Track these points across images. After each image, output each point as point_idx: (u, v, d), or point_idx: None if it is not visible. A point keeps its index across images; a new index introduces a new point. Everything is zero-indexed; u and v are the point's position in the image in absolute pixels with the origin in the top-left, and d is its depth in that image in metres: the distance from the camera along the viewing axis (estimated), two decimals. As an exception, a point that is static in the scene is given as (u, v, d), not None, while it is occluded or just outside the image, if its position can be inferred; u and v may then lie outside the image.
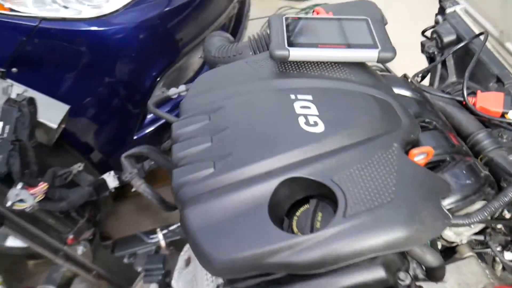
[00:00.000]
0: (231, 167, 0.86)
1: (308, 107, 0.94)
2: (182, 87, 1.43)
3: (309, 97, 0.97)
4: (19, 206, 1.23)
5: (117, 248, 2.29)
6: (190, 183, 0.87)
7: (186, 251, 1.45)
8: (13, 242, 2.37)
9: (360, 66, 1.06)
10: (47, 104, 1.22)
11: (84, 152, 1.77)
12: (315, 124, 0.90)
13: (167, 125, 2.04)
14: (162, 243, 1.65)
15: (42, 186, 1.26)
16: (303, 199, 0.85)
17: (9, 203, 1.21)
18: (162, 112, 1.44)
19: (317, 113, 0.92)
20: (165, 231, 2.25)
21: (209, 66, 1.46)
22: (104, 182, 1.49)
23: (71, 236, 1.66)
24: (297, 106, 0.95)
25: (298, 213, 0.83)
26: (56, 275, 2.32)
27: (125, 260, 2.15)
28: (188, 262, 1.39)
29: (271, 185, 0.81)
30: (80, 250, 1.71)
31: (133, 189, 1.46)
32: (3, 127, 1.15)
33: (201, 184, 0.86)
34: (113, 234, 2.47)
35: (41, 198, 1.26)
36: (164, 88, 1.42)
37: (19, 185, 1.23)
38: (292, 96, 0.98)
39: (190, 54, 1.90)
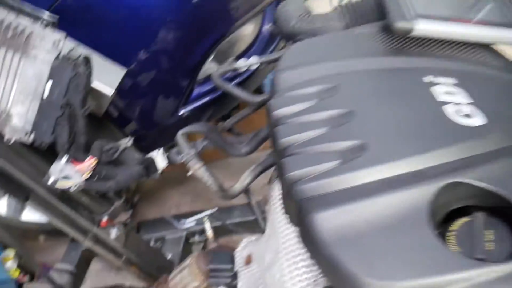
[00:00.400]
0: (367, 162, 0.67)
1: (453, 93, 0.75)
2: (254, 59, 1.22)
3: (452, 81, 0.77)
4: (62, 184, 1.04)
5: (142, 230, 2.12)
6: (310, 178, 0.68)
7: (245, 247, 1.28)
8: (29, 216, 2.20)
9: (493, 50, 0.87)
10: (101, 66, 1.02)
11: (120, 125, 1.57)
12: (470, 115, 0.70)
13: (214, 102, 1.85)
14: (210, 233, 1.47)
15: (90, 162, 1.07)
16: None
17: (51, 180, 1.02)
18: (230, 86, 1.24)
19: (470, 101, 0.72)
20: (200, 216, 2.07)
21: (286, 38, 1.25)
22: (153, 162, 1.29)
23: (105, 218, 1.48)
24: (437, 91, 0.76)
25: (454, 227, 0.64)
26: (74, 254, 2.15)
27: (152, 244, 1.97)
28: (248, 260, 1.22)
29: (429, 190, 0.62)
30: (113, 233, 1.53)
31: (189, 173, 1.27)
32: (52, 88, 0.95)
33: (326, 181, 0.67)
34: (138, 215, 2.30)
35: (88, 176, 1.07)
36: (231, 58, 1.21)
37: (64, 159, 1.03)
38: (427, 79, 0.79)
39: (243, 26, 1.69)
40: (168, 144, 1.87)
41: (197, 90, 1.66)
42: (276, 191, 1.14)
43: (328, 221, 0.61)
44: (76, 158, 1.06)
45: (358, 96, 0.82)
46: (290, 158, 0.72)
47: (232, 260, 1.14)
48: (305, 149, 0.73)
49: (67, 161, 1.03)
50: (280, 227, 1.06)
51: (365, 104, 0.79)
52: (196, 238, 2.05)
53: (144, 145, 1.61)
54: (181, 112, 1.65)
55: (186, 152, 1.24)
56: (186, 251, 2.04)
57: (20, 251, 2.15)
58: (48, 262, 2.42)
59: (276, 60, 1.21)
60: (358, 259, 0.57)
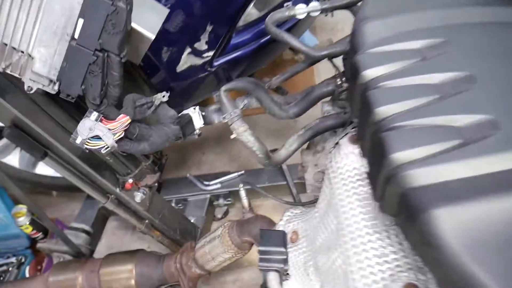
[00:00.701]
0: (503, 144, 0.51)
1: None
2: (314, 4, 1.02)
3: None
4: (92, 145, 0.88)
5: (164, 190, 1.98)
6: (422, 161, 0.52)
7: (288, 222, 1.13)
8: (44, 169, 2.06)
9: None
10: (139, 4, 0.82)
11: (147, 76, 1.39)
12: None
13: (250, 55, 1.65)
14: (245, 202, 1.32)
15: (124, 120, 0.90)
16: None
17: (79, 139, 0.86)
18: (287, 34, 1.05)
19: None
20: (225, 178, 1.93)
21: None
22: (190, 120, 1.13)
23: (130, 181, 1.33)
24: None
25: None
26: (90, 213, 2.03)
27: (173, 205, 1.84)
28: (294, 237, 1.07)
29: None
30: (138, 197, 1.38)
31: (232, 136, 1.11)
32: (84, 28, 0.76)
33: (446, 166, 0.51)
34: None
35: (120, 136, 0.91)
36: (289, 3, 1.01)
37: (94, 116, 0.87)
38: None
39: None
40: (199, 101, 1.70)
41: (233, 40, 1.47)
42: (339, 163, 0.98)
43: (455, 219, 0.45)
44: (108, 115, 0.89)
45: (477, 56, 0.64)
46: (393, 134, 0.56)
47: (284, 242, 0.99)
48: (411, 122, 0.56)
49: (96, 119, 0.85)
50: (344, 208, 0.91)
51: (486, 67, 0.61)
52: (221, 201, 1.92)
53: (173, 102, 1.44)
54: (215, 64, 1.46)
55: (230, 111, 1.08)
56: (209, 215, 1.91)
57: (32, 207, 2.03)
58: (61, 218, 2.32)
59: (349, 6, 1.02)
60: (502, 276, 0.42)
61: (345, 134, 0.99)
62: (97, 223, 1.97)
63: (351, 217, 0.89)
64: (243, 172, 1.91)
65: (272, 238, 0.98)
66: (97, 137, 0.88)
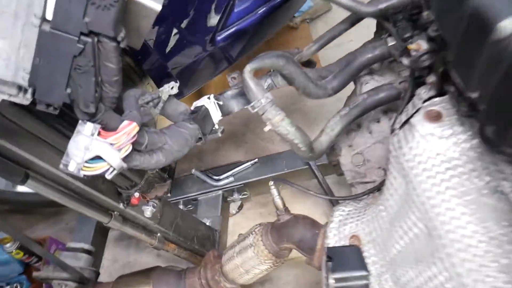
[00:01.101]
0: None
1: None
2: None
3: None
4: (92, 169, 0.64)
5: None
6: None
7: (343, 224, 0.90)
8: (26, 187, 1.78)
9: None
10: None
11: (135, 61, 1.12)
12: None
13: (252, 27, 1.39)
14: (279, 201, 1.09)
15: (130, 129, 0.65)
16: None
17: (73, 165, 0.62)
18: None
19: None
20: (237, 170, 1.69)
21: None
22: (207, 114, 0.88)
23: (137, 194, 1.08)
24: None
25: None
26: (87, 229, 1.78)
27: (181, 207, 1.60)
28: (357, 243, 0.85)
29: None
30: (148, 211, 1.15)
31: (267, 128, 0.86)
32: (60, 3, 0.51)
33: None
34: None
35: (128, 151, 0.66)
36: None
37: (89, 129, 0.62)
38: None
39: None
40: (197, 88, 1.45)
41: (237, 10, 1.20)
42: (416, 148, 0.75)
43: None
44: (107, 125, 0.64)
45: None
46: None
47: (363, 261, 0.77)
48: None
49: (93, 131, 0.60)
50: (438, 209, 0.69)
51: None
52: (235, 196, 1.68)
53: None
54: (219, 39, 1.20)
55: (260, 98, 0.83)
56: (225, 213, 1.69)
57: (14, 234, 1.78)
58: (55, 234, 2.07)
59: None
60: None
61: (417, 110, 0.77)
62: (97, 238, 1.73)
63: (451, 221, 0.67)
64: (256, 160, 1.68)
65: (348, 258, 0.76)
66: (97, 158, 0.63)
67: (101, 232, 1.76)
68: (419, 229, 0.74)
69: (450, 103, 0.75)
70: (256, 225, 1.18)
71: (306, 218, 1.09)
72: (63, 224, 2.12)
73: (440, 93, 0.78)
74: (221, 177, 1.66)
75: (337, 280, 0.70)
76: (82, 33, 0.53)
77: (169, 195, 1.07)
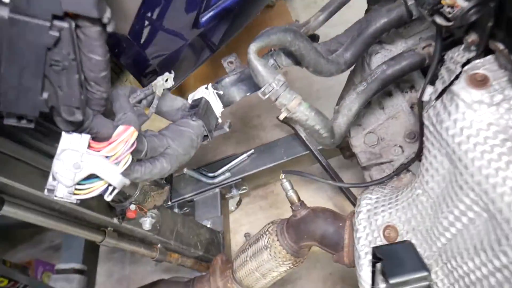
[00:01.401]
0: None
1: None
2: None
3: None
4: (86, 191, 0.51)
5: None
6: None
7: (374, 213, 0.79)
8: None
9: None
10: None
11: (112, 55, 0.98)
12: None
13: (236, 6, 1.24)
14: (293, 195, 0.97)
15: (128, 135, 0.52)
16: None
17: (61, 190, 0.49)
18: None
19: None
20: (233, 164, 1.56)
21: None
22: (208, 107, 0.75)
23: (133, 207, 0.95)
24: None
25: None
26: (76, 245, 1.63)
27: (176, 211, 1.48)
28: (393, 235, 0.73)
29: None
30: (147, 223, 1.02)
31: (282, 115, 0.74)
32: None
33: None
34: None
35: (128, 163, 0.53)
36: None
37: (77, 141, 0.49)
38: None
39: None
40: (185, 77, 1.30)
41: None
42: (462, 120, 0.64)
43: None
44: (98, 134, 0.51)
45: None
46: None
47: (421, 260, 0.66)
48: None
49: (83, 144, 0.47)
50: (502, 189, 0.59)
51: None
52: (234, 192, 1.56)
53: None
54: (203, 21, 1.06)
55: (271, 81, 0.71)
56: (225, 211, 1.56)
57: None
58: (40, 255, 1.90)
59: None
60: None
61: (457, 76, 0.66)
62: (88, 255, 1.58)
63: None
64: (252, 151, 1.55)
65: (403, 258, 0.64)
66: (92, 177, 0.49)
67: (91, 248, 1.61)
68: (475, 214, 0.64)
69: (496, 63, 0.64)
70: (269, 223, 1.07)
71: (326, 211, 0.98)
72: (48, 242, 1.96)
73: (480, 54, 0.67)
74: (217, 173, 1.53)
75: (394, 285, 0.59)
76: (55, 16, 0.40)
77: (169, 203, 0.94)
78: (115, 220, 1.03)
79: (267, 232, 1.04)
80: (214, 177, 1.53)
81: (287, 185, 0.99)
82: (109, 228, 1.05)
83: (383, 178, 0.92)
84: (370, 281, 0.78)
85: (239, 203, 1.69)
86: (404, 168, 0.94)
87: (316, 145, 1.46)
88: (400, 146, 1.07)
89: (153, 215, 1.02)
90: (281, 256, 1.00)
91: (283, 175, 0.99)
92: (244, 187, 1.55)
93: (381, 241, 0.80)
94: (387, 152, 1.08)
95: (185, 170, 1.59)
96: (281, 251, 1.00)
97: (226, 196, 1.57)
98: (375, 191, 0.89)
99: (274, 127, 1.88)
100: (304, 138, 1.47)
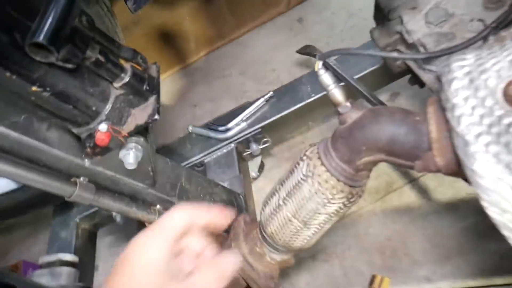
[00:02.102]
0: None
1: None
2: None
3: None
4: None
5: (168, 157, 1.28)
6: None
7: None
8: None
9: None
10: None
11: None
12: None
13: None
14: (335, 90, 0.65)
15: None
16: None
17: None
18: None
19: None
20: (247, 113, 1.24)
21: None
22: None
23: (103, 127, 0.64)
24: None
25: None
26: (65, 233, 1.31)
27: (183, 183, 1.15)
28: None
29: None
30: (130, 156, 0.71)
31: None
32: None
33: None
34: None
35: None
36: None
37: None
38: None
39: None
40: None
41: None
42: None
43: None
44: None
45: None
46: None
47: None
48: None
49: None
50: None
51: None
52: (254, 147, 1.23)
53: None
54: None
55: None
56: (245, 171, 1.24)
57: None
58: (33, 258, 1.61)
59: None
60: None
61: None
62: (82, 245, 1.27)
63: None
64: (271, 93, 1.24)
65: None
66: None
67: (87, 236, 1.30)
68: None
69: None
70: (305, 148, 0.75)
71: (389, 107, 0.65)
72: (41, 245, 1.66)
73: None
74: (229, 125, 1.22)
75: None
76: None
77: (157, 117, 0.63)
78: (86, 163, 0.72)
79: (305, 157, 0.71)
80: (226, 130, 1.22)
81: (326, 77, 0.67)
82: (81, 179, 0.74)
83: (481, 33, 0.60)
84: (492, 173, 0.46)
85: (261, 168, 1.37)
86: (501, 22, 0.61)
87: (352, 73, 1.14)
88: (480, 20, 0.74)
89: (138, 146, 0.71)
90: (329, 186, 0.67)
91: (319, 61, 0.67)
92: (266, 140, 1.22)
93: (501, 109, 0.47)
94: (463, 30, 0.75)
95: (190, 128, 1.28)
96: (329, 178, 0.67)
97: (244, 155, 1.25)
98: (469, 51, 0.57)
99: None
100: (335, 67, 1.15)
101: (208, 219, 0.55)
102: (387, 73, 1.09)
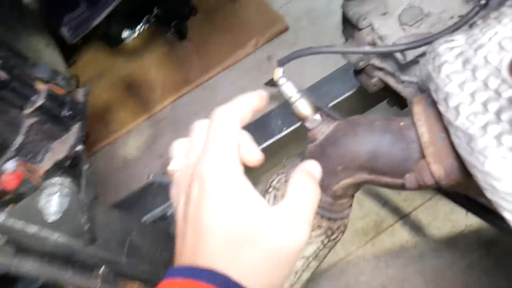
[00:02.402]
0: None
1: None
2: None
3: None
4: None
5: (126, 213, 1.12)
6: None
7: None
8: None
9: None
10: None
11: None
12: None
13: None
14: (301, 102, 0.53)
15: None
16: None
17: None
18: None
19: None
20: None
21: None
22: None
23: (10, 166, 0.50)
24: None
25: None
26: None
27: (134, 239, 1.00)
28: None
29: None
30: (53, 204, 0.56)
31: None
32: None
33: None
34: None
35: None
36: None
37: None
38: None
39: None
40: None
41: None
42: None
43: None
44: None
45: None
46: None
47: None
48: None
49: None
50: None
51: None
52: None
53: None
54: None
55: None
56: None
57: None
58: None
59: None
60: None
61: None
62: None
63: None
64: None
65: None
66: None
67: None
68: None
69: None
70: (271, 178, 0.61)
71: (366, 116, 0.53)
72: None
73: None
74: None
75: None
76: None
77: (81, 147, 0.49)
78: (-2, 215, 0.57)
79: (271, 189, 0.58)
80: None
81: (288, 86, 0.54)
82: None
83: (470, 12, 0.49)
84: (506, 173, 0.33)
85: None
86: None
87: (327, 101, 1.04)
88: (462, 16, 0.65)
89: (63, 189, 0.56)
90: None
91: (279, 68, 0.55)
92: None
93: (511, 88, 0.35)
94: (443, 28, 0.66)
95: (150, 176, 1.14)
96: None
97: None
98: (456, 33, 0.46)
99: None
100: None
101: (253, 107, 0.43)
102: (364, 98, 0.99)
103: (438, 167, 0.42)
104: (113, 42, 2.10)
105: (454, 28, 0.53)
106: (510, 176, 0.34)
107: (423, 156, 0.44)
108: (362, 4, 0.76)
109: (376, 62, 0.79)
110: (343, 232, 0.57)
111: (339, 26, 0.86)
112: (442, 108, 0.40)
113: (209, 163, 0.37)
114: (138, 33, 2.09)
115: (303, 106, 0.55)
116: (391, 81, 0.79)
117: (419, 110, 0.46)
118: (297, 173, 0.41)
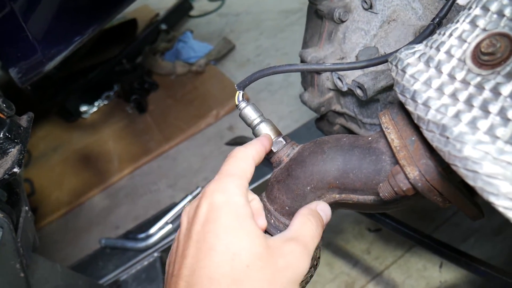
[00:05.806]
0: None
1: None
2: None
3: None
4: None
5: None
6: None
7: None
8: None
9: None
10: None
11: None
12: None
13: None
14: (264, 127, 0.50)
15: None
16: None
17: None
18: None
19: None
20: (169, 217, 1.03)
21: None
22: None
23: None
24: None
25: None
26: None
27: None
28: None
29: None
30: None
31: None
32: None
33: None
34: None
35: None
36: None
37: None
38: None
39: None
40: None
41: None
42: None
43: None
44: None
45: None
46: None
47: None
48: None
49: None
50: None
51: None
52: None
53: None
54: None
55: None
56: None
57: None
58: None
59: None
60: None
61: None
62: None
63: None
64: (200, 188, 1.07)
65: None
66: None
67: None
68: None
69: None
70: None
71: (331, 135, 0.50)
72: None
73: None
74: (151, 231, 1.00)
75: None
76: None
77: (16, 170, 0.44)
78: None
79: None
80: (147, 237, 0.99)
81: (249, 110, 0.52)
82: None
83: (425, 30, 0.50)
84: (491, 155, 0.31)
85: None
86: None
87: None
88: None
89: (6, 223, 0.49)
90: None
91: (239, 92, 0.53)
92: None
93: (478, 76, 0.35)
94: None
95: (102, 241, 1.05)
96: (269, 242, 0.48)
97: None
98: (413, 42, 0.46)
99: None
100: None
101: (264, 151, 0.48)
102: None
103: (413, 169, 0.39)
104: (71, 117, 2.07)
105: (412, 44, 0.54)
106: (490, 158, 0.32)
107: (396, 162, 0.41)
108: (319, 51, 0.78)
109: (337, 107, 0.79)
110: (315, 266, 0.52)
111: (297, 96, 0.87)
112: (410, 108, 0.39)
113: (221, 185, 0.41)
114: (97, 108, 2.08)
115: (266, 130, 0.52)
116: (353, 127, 0.79)
117: (386, 119, 0.44)
118: (304, 209, 0.44)
